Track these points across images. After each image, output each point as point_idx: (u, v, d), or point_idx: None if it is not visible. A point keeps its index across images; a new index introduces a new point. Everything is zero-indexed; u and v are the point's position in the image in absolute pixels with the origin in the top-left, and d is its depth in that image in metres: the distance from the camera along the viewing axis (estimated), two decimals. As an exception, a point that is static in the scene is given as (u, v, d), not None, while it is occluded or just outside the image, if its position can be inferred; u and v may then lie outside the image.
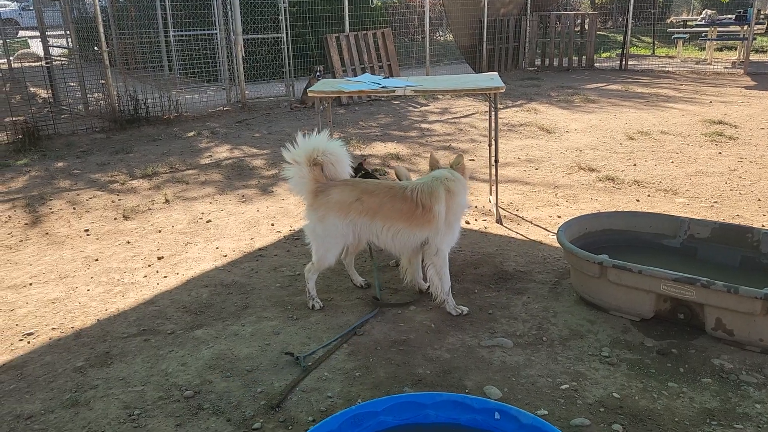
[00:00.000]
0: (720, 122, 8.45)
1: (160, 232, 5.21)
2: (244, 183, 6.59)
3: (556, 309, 3.65)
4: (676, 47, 17.02)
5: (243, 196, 6.13)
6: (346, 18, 11.94)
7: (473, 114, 10.06)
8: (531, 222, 5.11)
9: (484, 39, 14.15)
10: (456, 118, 9.87)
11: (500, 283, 4.02)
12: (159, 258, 4.65)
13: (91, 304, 3.95)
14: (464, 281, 4.06)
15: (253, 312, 3.76)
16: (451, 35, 21.19)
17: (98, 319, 3.75)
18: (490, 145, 5.66)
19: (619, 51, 18.01)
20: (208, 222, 5.41)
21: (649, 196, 5.63)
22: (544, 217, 5.23)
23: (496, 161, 5.05)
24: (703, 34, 15.43)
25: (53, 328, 3.65)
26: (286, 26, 11.39)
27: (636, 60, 15.48)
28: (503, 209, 5.41)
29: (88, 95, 10.41)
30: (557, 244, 4.57)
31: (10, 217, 5.67)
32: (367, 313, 3.65)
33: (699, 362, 3.05)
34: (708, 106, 9.76)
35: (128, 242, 4.98)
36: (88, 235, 5.19)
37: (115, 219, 5.54)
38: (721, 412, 2.71)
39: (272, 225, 5.29)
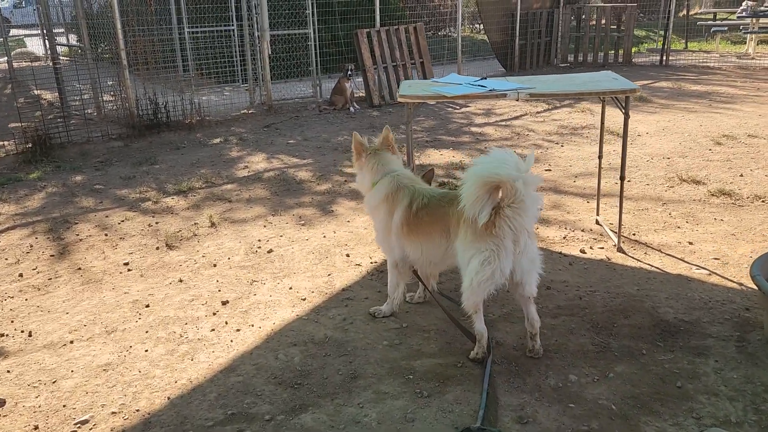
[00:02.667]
0: (808, 124, 7.68)
1: (215, 266, 4.37)
2: (296, 200, 5.74)
3: (764, 380, 2.84)
4: (710, 41, 16.29)
5: (300, 217, 5.29)
6: (377, 11, 11.08)
7: (523, 116, 9.23)
8: (660, 250, 4.30)
9: (516, 34, 13.31)
10: (505, 120, 9.05)
11: (668, 339, 3.20)
12: (224, 303, 3.81)
13: (155, 373, 3.11)
14: (620, 336, 3.24)
15: (367, 385, 2.93)
16: (467, 30, 20.45)
17: (168, 397, 2.91)
18: (600, 158, 4.84)
19: (646, 46, 17.26)
20: (269, 252, 4.57)
21: (782, 215, 4.83)
22: (672, 243, 4.42)
23: (622, 179, 4.22)
24: (742, 27, 14.67)
25: (113, 412, 2.81)
26: (313, 21, 10.52)
27: (672, 55, 14.68)
28: (615, 232, 4.57)
29: (99, 98, 9.53)
30: (709, 281, 3.80)
31: (32, 246, 4.81)
32: (485, 369, 2.92)
33: None
34: (781, 105, 8.98)
35: (181, 281, 4.14)
36: (129, 270, 4.34)
37: (158, 248, 4.69)
38: None
39: (347, 256, 4.45)
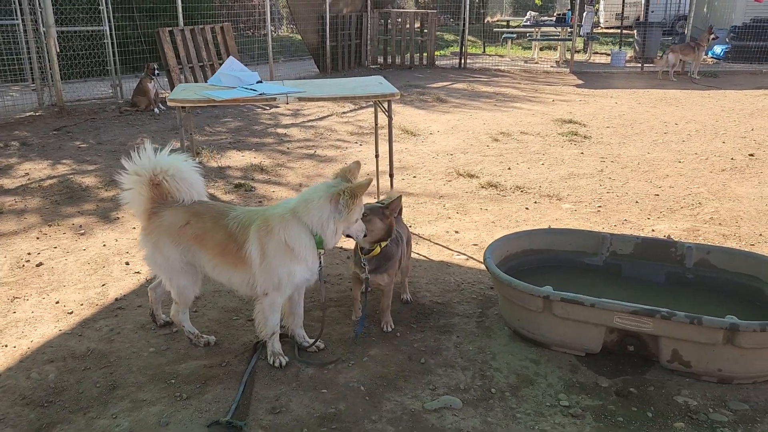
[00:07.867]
0: (570, 121, 8.78)
1: (-30, 285, 4.00)
2: (78, 208, 5.42)
3: (493, 349, 3.25)
4: (504, 46, 17.91)
5: (80, 226, 5.01)
6: (179, 10, 10.72)
7: (328, 116, 9.51)
8: (429, 240, 4.70)
9: (327, 36, 13.63)
10: (311, 121, 9.25)
11: (422, 321, 3.53)
12: (-25, 324, 3.51)
13: None
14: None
15: (125, 394, 2.89)
16: (287, 30, 20.51)
17: None
18: (377, 157, 5.18)
19: (452, 49, 18.59)
20: (38, 266, 4.28)
21: (536, 203, 5.50)
22: (441, 233, 4.85)
23: (391, 175, 4.56)
24: (528, 34, 16.33)
25: None
26: (109, 17, 9.93)
27: (470, 59, 15.95)
28: (394, 226, 4.92)
29: None
30: (466, 265, 4.23)
31: None
32: (251, 356, 3.13)
33: (663, 402, 2.81)
34: (552, 105, 10.17)
35: (-75, 304, 3.73)
36: None
37: None
38: (703, 460, 2.47)
39: (127, 264, 4.31)
